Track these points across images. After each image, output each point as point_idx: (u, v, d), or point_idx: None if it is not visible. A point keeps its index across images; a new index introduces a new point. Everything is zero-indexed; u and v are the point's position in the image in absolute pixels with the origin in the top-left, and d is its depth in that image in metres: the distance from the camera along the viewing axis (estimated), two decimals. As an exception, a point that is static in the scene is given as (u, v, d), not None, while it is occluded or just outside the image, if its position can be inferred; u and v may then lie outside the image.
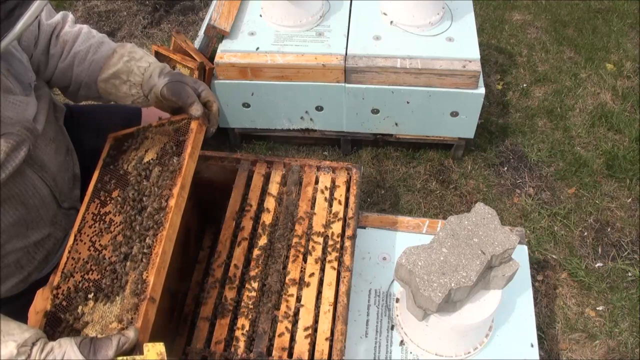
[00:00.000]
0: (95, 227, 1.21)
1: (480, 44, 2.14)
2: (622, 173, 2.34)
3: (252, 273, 1.32)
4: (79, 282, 1.14)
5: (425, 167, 2.40)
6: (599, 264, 2.09)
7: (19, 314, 1.36)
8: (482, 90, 2.10)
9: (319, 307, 1.27)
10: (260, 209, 1.44)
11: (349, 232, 1.38)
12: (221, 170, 1.52)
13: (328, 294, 1.28)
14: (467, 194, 2.31)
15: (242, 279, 1.32)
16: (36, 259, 1.26)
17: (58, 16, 1.30)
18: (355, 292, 1.49)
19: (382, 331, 1.44)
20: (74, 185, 1.36)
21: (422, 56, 2.07)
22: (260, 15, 2.26)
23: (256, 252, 1.36)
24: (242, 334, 1.23)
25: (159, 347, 0.95)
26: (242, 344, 1.21)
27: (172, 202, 1.15)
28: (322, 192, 1.46)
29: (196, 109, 1.22)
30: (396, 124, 2.27)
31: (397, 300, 1.48)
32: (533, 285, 1.81)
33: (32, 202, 1.19)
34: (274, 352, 1.20)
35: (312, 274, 1.31)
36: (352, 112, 2.24)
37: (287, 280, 1.30)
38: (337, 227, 1.39)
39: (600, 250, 2.13)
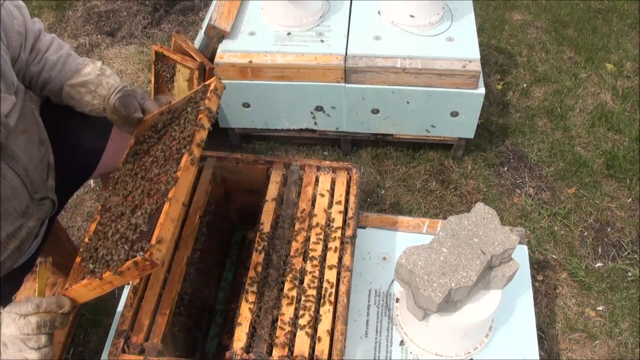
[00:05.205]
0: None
1: (480, 44, 2.14)
2: (622, 173, 2.34)
3: (252, 273, 1.32)
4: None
5: (425, 167, 2.40)
6: (599, 264, 2.09)
7: None
8: (482, 90, 2.10)
9: (319, 307, 1.27)
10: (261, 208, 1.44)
11: (349, 232, 1.38)
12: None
13: (328, 293, 1.28)
14: (467, 194, 2.31)
15: (243, 279, 1.32)
16: (8, 248, 1.27)
17: (39, 23, 1.40)
18: (355, 292, 1.49)
19: (382, 331, 1.44)
20: (47, 175, 1.38)
21: (422, 56, 2.07)
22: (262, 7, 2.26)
23: (256, 252, 1.36)
24: (242, 334, 1.23)
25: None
26: (242, 344, 1.21)
27: None
28: (322, 192, 1.46)
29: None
30: (396, 124, 2.27)
31: (397, 300, 1.48)
32: (533, 285, 1.81)
33: (4, 193, 1.21)
34: (274, 352, 1.20)
35: (312, 274, 1.31)
36: (352, 112, 2.24)
37: (286, 280, 1.30)
38: (337, 227, 1.39)
39: (600, 250, 2.13)
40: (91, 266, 1.10)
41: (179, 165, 1.15)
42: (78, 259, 1.16)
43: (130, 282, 1.30)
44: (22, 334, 1.03)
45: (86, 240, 1.20)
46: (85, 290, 1.10)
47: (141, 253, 1.03)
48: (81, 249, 1.18)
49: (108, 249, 1.11)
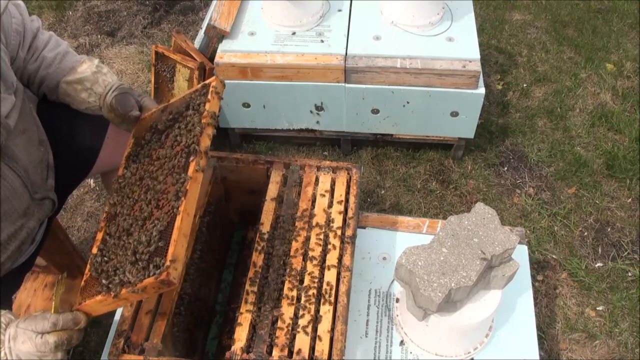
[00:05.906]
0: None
1: (480, 44, 2.14)
2: (622, 173, 2.34)
3: (252, 273, 1.32)
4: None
5: (425, 167, 2.40)
6: (599, 264, 2.09)
7: None
8: (482, 90, 2.10)
9: (319, 307, 1.27)
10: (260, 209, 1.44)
11: (349, 232, 1.38)
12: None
13: (328, 294, 1.28)
14: (467, 194, 2.31)
15: (243, 280, 1.32)
16: (9, 249, 1.27)
17: (37, 21, 1.39)
18: (355, 292, 1.49)
19: (382, 331, 1.44)
20: (47, 175, 1.38)
21: (422, 56, 2.07)
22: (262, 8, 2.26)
23: (256, 252, 1.36)
24: (242, 334, 1.23)
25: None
26: (242, 344, 1.21)
27: None
28: (322, 192, 1.46)
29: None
30: (396, 124, 2.27)
31: (397, 300, 1.48)
32: (533, 285, 1.81)
33: (4, 194, 1.21)
34: (273, 352, 1.20)
35: (312, 274, 1.31)
36: (352, 112, 2.24)
37: (286, 280, 1.30)
38: (337, 227, 1.39)
39: (600, 250, 2.13)
40: (104, 282, 1.09)
41: (187, 174, 1.14)
42: (88, 273, 1.15)
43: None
44: (39, 352, 1.02)
45: (94, 251, 1.18)
46: (99, 305, 1.09)
47: (157, 272, 1.02)
48: (90, 262, 1.17)
49: (121, 264, 1.10)
